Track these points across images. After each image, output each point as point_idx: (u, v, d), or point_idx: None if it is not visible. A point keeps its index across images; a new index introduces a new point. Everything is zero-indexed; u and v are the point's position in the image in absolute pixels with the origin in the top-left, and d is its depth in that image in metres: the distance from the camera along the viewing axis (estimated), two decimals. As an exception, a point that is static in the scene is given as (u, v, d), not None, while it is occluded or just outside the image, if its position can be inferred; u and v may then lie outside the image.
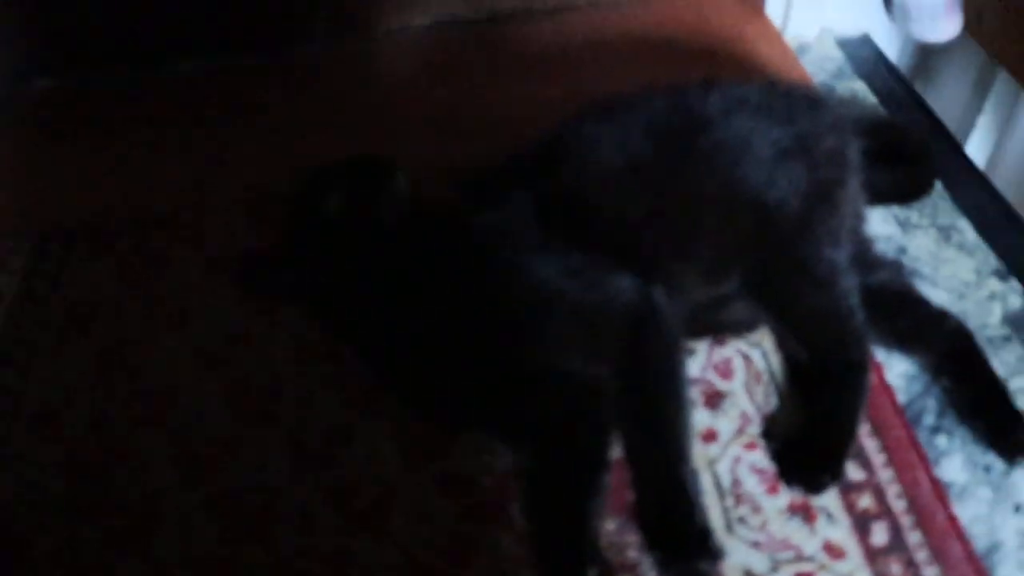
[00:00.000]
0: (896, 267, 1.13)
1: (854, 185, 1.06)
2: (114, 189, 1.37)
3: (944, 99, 1.36)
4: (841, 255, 1.01)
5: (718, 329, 1.08)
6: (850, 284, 1.00)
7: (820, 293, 0.99)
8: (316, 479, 0.99)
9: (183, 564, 0.93)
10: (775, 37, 1.53)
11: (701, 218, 1.01)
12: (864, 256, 1.09)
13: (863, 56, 1.50)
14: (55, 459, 1.03)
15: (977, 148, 1.30)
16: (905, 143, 1.21)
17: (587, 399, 0.98)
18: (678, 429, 0.93)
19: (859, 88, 1.44)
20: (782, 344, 1.06)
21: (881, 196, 1.19)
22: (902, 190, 1.22)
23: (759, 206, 1.00)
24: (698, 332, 1.07)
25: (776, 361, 1.07)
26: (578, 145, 1.04)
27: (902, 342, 1.05)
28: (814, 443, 0.97)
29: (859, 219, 1.10)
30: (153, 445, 1.03)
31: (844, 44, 1.53)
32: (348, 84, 1.55)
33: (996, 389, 1.00)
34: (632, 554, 0.92)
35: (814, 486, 0.95)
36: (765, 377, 1.06)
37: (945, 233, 1.21)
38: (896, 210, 1.24)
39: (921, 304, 1.07)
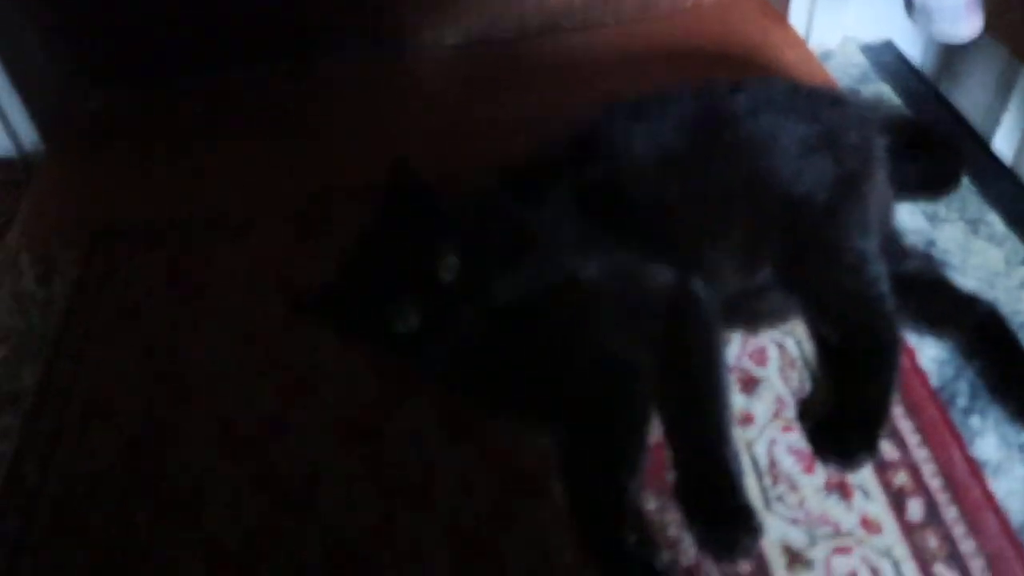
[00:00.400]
0: (926, 258, 1.15)
1: (880, 177, 1.09)
2: (162, 194, 1.42)
3: (969, 98, 1.38)
4: (870, 243, 1.04)
5: (753, 320, 1.10)
6: (879, 271, 1.03)
7: (850, 279, 1.02)
8: (359, 454, 1.02)
9: (231, 535, 0.96)
10: (799, 44, 1.56)
11: (732, 208, 1.03)
12: (894, 247, 1.11)
13: (886, 60, 1.52)
14: (108, 441, 1.06)
15: (1003, 143, 1.32)
16: (931, 139, 1.23)
17: (628, 383, 1.00)
18: (718, 409, 0.95)
19: (884, 91, 1.47)
20: (814, 330, 1.08)
21: (910, 191, 1.21)
22: (930, 184, 1.24)
23: (788, 198, 1.03)
24: (734, 323, 1.09)
25: (809, 348, 1.09)
26: (612, 139, 1.08)
27: (935, 326, 1.07)
28: (848, 421, 0.98)
29: (887, 211, 1.13)
30: (201, 426, 1.07)
31: (867, 50, 1.56)
32: (384, 96, 1.60)
33: None
34: (673, 532, 0.93)
35: (849, 462, 0.96)
36: (799, 364, 1.07)
37: (974, 226, 1.23)
38: (924, 205, 1.26)
39: (952, 289, 1.09)
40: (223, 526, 0.97)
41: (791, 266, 1.03)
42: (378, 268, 0.92)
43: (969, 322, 1.05)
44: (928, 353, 1.07)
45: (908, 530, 0.92)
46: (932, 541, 0.91)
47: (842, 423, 0.98)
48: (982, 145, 1.33)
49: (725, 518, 0.90)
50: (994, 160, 1.31)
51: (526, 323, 0.96)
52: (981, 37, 1.17)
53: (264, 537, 0.96)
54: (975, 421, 1.01)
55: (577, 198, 1.04)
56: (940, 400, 1.03)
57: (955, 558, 0.89)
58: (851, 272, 1.02)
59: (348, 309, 0.93)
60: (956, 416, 1.02)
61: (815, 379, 1.06)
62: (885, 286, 1.02)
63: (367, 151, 1.41)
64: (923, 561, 0.89)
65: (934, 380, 1.05)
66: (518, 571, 0.92)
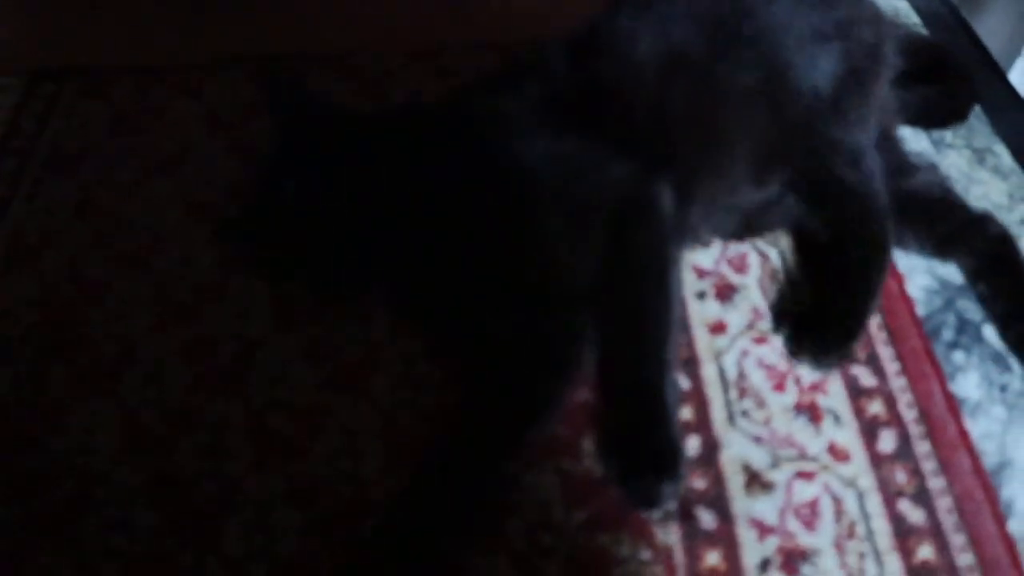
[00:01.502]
0: (932, 170, 1.07)
1: (886, 79, 1.02)
2: (117, 35, 1.30)
3: (990, 24, 1.29)
4: (868, 139, 0.98)
5: (751, 233, 1.03)
6: (874, 166, 0.97)
7: (847, 171, 0.96)
8: (298, 335, 0.94)
9: (151, 408, 0.89)
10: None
11: (752, 111, 0.95)
12: (901, 161, 1.04)
13: (908, -25, 1.43)
14: (27, 294, 0.98)
15: (1021, 76, 1.24)
16: (946, 66, 1.15)
17: (562, 312, 0.89)
18: (661, 331, 0.84)
19: (901, 7, 1.37)
20: (801, 228, 1.01)
21: (917, 117, 1.13)
22: (938, 113, 1.16)
23: (795, 87, 0.95)
24: (737, 235, 1.03)
25: (792, 259, 1.01)
26: (614, 37, 0.98)
27: (943, 245, 1.01)
28: (829, 317, 0.92)
29: (890, 115, 1.06)
30: (131, 288, 0.98)
31: (889, -37, 1.46)
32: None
33: None
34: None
35: (823, 360, 0.90)
36: (780, 275, 1.00)
37: (980, 155, 1.15)
38: (930, 129, 1.18)
39: (962, 207, 1.02)
40: (143, 398, 0.90)
41: (791, 157, 0.96)
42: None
43: (979, 243, 0.99)
44: (918, 281, 1.01)
45: (877, 461, 0.86)
46: (900, 475, 0.85)
47: (821, 319, 0.92)
48: (998, 74, 1.25)
49: (649, 462, 0.79)
50: (1010, 91, 1.23)
51: (466, 218, 0.86)
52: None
53: (185, 414, 0.89)
54: (959, 356, 0.95)
55: (555, 94, 0.94)
56: (924, 330, 0.96)
57: (922, 495, 0.84)
58: (849, 165, 0.96)
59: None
60: (939, 349, 0.95)
61: (791, 284, 0.99)
62: (879, 183, 0.96)
63: (346, 17, 1.31)
64: (889, 495, 0.84)
65: (921, 309, 0.98)
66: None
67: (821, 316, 0.92)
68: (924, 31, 1.32)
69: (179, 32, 1.29)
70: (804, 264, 1.00)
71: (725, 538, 0.81)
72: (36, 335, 0.94)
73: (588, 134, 0.91)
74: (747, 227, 1.02)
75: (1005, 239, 0.99)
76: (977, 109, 1.19)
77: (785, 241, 1.03)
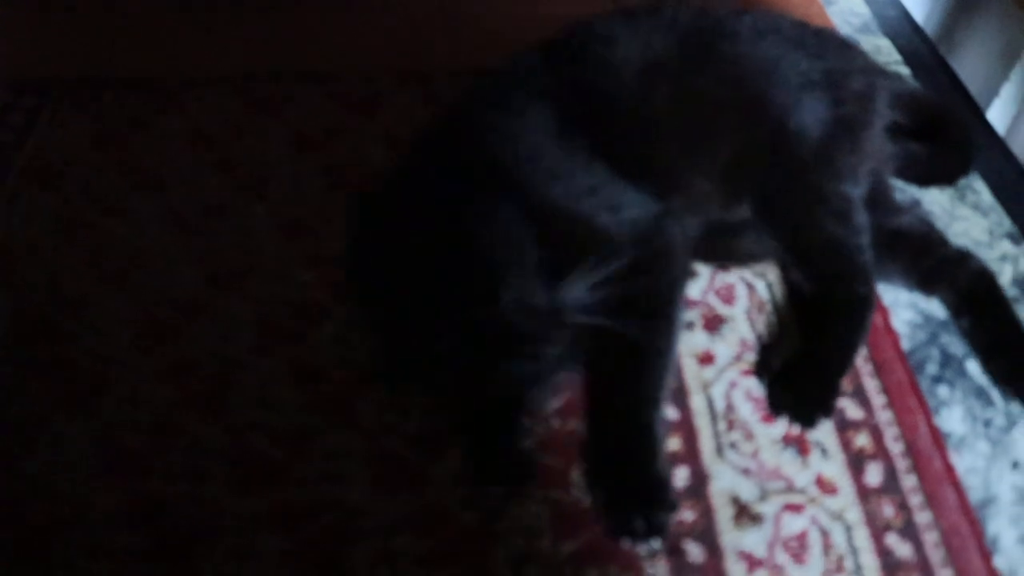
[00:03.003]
0: (915, 208, 1.09)
1: (878, 129, 1.03)
2: (102, 48, 1.29)
3: (968, 65, 1.31)
4: (857, 192, 0.98)
5: (725, 257, 1.03)
6: (862, 221, 0.97)
7: (833, 225, 0.95)
8: (281, 357, 0.93)
9: (129, 428, 0.87)
10: (803, -15, 1.48)
11: (719, 124, 0.96)
12: (886, 200, 1.05)
13: (890, 15, 1.45)
14: (4, 308, 0.96)
15: (998, 114, 1.26)
16: (946, 128, 1.14)
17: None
18: (659, 371, 0.86)
19: (883, 45, 1.39)
20: (786, 276, 1.01)
21: (902, 173, 1.12)
22: (925, 173, 1.15)
23: (780, 127, 0.96)
24: (707, 256, 1.03)
25: (779, 293, 1.02)
26: (595, 43, 0.98)
27: (926, 281, 1.02)
28: (807, 373, 0.92)
29: (882, 163, 1.06)
30: (111, 306, 0.96)
31: (871, 1, 1.49)
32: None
33: (1016, 330, 0.97)
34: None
35: (805, 417, 0.90)
36: (768, 307, 1.00)
37: (961, 192, 1.17)
38: (912, 164, 1.19)
39: (944, 244, 1.03)
40: (121, 418, 0.88)
41: (773, 203, 0.96)
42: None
43: (961, 278, 1.00)
44: (902, 316, 1.01)
45: (864, 494, 0.86)
46: (888, 509, 0.85)
47: (801, 376, 0.92)
48: (977, 113, 1.27)
49: (637, 494, 0.81)
50: (988, 130, 1.25)
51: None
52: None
53: (166, 433, 0.87)
54: (943, 391, 0.96)
55: (556, 107, 0.94)
56: (909, 364, 0.97)
57: (909, 529, 0.84)
58: (835, 218, 0.96)
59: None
60: (924, 383, 0.96)
61: (780, 327, 0.99)
62: (866, 238, 0.97)
63: (337, 38, 1.31)
64: (876, 529, 0.84)
65: (905, 344, 0.99)
66: (442, 498, 0.84)
67: (798, 377, 0.92)
68: (904, 69, 1.34)
69: (165, 47, 1.28)
70: (791, 305, 1.01)
71: (713, 572, 0.80)
72: (11, 351, 0.92)
73: (594, 140, 0.92)
74: (722, 251, 1.02)
75: (984, 274, 1.00)
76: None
77: (773, 273, 1.03)
